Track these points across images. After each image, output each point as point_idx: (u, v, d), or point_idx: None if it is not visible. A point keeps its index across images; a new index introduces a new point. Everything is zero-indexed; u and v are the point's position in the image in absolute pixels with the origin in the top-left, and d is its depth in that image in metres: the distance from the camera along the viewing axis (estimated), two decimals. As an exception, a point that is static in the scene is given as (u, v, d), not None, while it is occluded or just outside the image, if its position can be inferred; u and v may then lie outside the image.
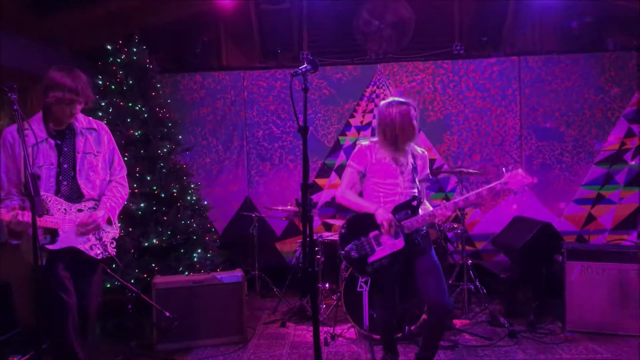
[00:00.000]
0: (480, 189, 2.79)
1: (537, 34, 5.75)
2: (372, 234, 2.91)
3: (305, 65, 2.17)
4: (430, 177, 3.22)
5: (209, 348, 3.86)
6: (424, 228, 2.98)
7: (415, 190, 2.98)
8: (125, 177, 3.03)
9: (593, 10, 5.40)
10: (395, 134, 2.90)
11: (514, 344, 3.82)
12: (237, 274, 4.04)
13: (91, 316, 2.83)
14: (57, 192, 2.66)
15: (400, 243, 2.87)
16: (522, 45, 5.76)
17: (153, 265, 4.15)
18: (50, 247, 2.58)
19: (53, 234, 2.60)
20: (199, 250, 4.44)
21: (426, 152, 3.13)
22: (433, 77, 5.63)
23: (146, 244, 4.14)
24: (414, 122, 2.92)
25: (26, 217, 2.45)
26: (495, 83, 5.60)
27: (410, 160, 2.99)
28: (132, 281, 3.89)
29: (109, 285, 3.96)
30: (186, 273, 4.15)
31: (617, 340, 3.74)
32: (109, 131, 2.95)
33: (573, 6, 5.37)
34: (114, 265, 2.93)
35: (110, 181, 2.92)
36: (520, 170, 2.77)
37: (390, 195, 2.94)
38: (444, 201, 3.01)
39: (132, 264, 4.11)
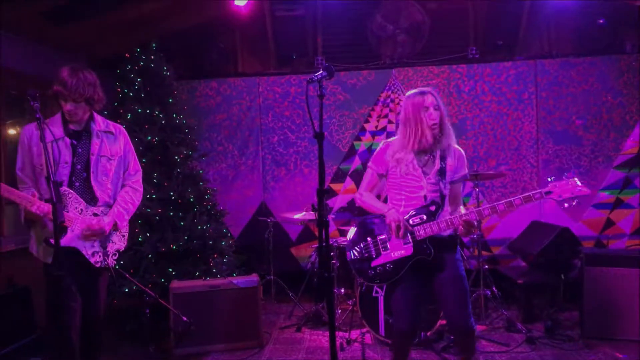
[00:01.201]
0: (513, 198, 2.50)
1: (553, 37, 5.72)
2: (380, 237, 2.69)
3: (321, 71, 2.17)
4: (468, 178, 2.88)
5: (226, 352, 3.88)
6: (447, 236, 2.66)
7: (439, 194, 2.64)
8: (140, 180, 3.02)
9: (609, 12, 5.35)
10: (413, 130, 2.61)
11: (531, 350, 3.78)
12: (253, 278, 4.06)
13: (98, 319, 2.85)
14: None
15: (408, 249, 2.62)
16: (538, 49, 5.72)
17: (170, 269, 4.18)
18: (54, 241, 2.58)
19: (62, 230, 2.56)
20: (215, 255, 4.48)
21: (462, 151, 2.76)
22: (448, 81, 5.62)
23: (163, 249, 4.18)
24: (433, 113, 2.60)
25: (35, 208, 2.53)
26: (511, 87, 5.57)
27: (439, 160, 2.65)
28: (150, 286, 3.92)
29: (127, 290, 4.00)
30: (203, 278, 4.18)
31: (637, 347, 3.67)
32: (126, 134, 2.95)
33: (589, 8, 5.32)
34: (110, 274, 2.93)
35: (124, 185, 2.93)
36: (575, 180, 2.46)
37: (413, 198, 2.65)
38: (471, 208, 2.70)
39: (150, 268, 4.15)
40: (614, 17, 5.37)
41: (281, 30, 5.75)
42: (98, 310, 2.84)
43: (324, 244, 2.07)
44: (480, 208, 2.56)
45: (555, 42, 5.72)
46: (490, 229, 5.57)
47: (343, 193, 5.77)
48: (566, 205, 2.48)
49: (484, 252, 4.51)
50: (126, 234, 2.94)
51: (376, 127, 5.73)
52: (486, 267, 4.55)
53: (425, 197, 2.64)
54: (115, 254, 2.85)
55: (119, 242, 2.87)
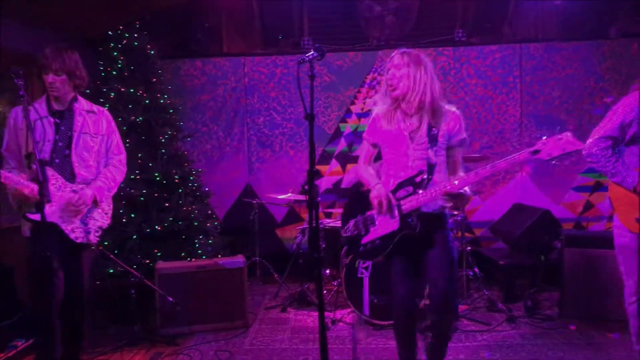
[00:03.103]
0: (498, 161, 2.29)
1: (539, 21, 5.73)
2: (368, 213, 2.60)
3: (312, 52, 2.14)
4: (468, 142, 2.63)
5: (211, 332, 3.91)
6: (436, 212, 2.52)
7: (426, 162, 2.47)
8: (124, 161, 3.09)
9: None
10: (393, 93, 2.50)
11: (511, 329, 3.88)
12: (239, 259, 4.08)
13: (81, 297, 2.89)
14: None
15: (395, 224, 2.48)
16: (524, 32, 5.74)
17: (155, 250, 4.18)
18: (32, 216, 2.61)
19: (39, 206, 2.62)
20: (201, 237, 4.47)
21: (458, 112, 2.55)
22: (435, 64, 5.52)
23: (148, 230, 4.16)
24: (390, 73, 2.49)
25: (29, 190, 2.58)
26: (496, 70, 5.60)
27: (426, 123, 2.47)
28: (135, 267, 3.92)
29: (111, 271, 4.00)
30: (188, 259, 4.19)
31: (614, 326, 3.78)
32: (109, 116, 3.02)
33: (575, -7, 5.36)
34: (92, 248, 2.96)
35: (107, 164, 2.99)
36: (565, 135, 2.20)
37: (401, 168, 2.52)
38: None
39: (135, 249, 4.14)
40: (599, 2, 5.40)
41: (267, 10, 5.67)
42: (81, 287, 2.88)
43: (314, 224, 2.08)
44: (463, 176, 2.40)
45: (541, 27, 5.74)
46: (473, 211, 5.65)
47: (328, 175, 5.78)
48: (555, 163, 2.24)
49: (466, 234, 4.58)
50: (109, 212, 2.98)
51: (362, 109, 5.73)
52: (469, 248, 4.63)
53: (411, 166, 2.49)
54: (97, 231, 2.89)
55: (101, 219, 2.91)
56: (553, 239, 4.45)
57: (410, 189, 2.47)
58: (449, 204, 2.52)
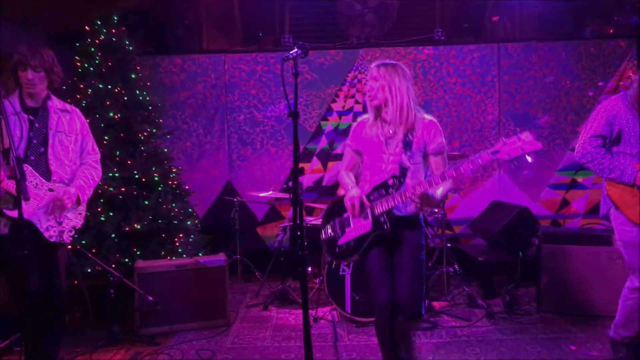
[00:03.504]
0: (462, 162, 2.32)
1: (517, 21, 5.82)
2: (345, 215, 2.70)
3: (295, 49, 2.15)
4: (446, 148, 2.67)
5: (193, 331, 3.87)
6: (407, 215, 2.58)
7: (399, 167, 2.54)
8: (99, 161, 3.10)
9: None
10: (372, 103, 2.59)
11: (491, 324, 3.93)
12: (221, 258, 4.05)
13: (58, 296, 2.87)
14: None
15: (367, 226, 2.58)
16: (503, 32, 5.82)
17: (134, 249, 4.12)
18: (9, 212, 2.61)
19: (17, 203, 2.61)
20: (181, 235, 4.43)
21: (435, 120, 2.61)
22: (414, 62, 5.66)
23: (127, 229, 4.10)
24: (369, 85, 2.57)
25: (5, 185, 2.56)
26: (475, 69, 5.67)
27: (402, 131, 2.56)
28: (114, 266, 3.86)
29: (89, 270, 3.93)
30: (168, 258, 4.14)
31: (590, 321, 3.87)
32: (82, 116, 3.03)
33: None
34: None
35: (83, 164, 3.00)
36: (524, 135, 2.18)
37: (377, 173, 2.61)
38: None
39: (113, 248, 4.08)
40: (574, 3, 5.51)
41: (248, 7, 5.63)
42: (58, 286, 2.85)
43: (298, 222, 2.08)
44: (430, 178, 2.42)
45: (519, 27, 5.83)
46: (452, 208, 5.72)
47: (310, 173, 5.77)
48: (515, 164, 2.22)
49: (446, 231, 4.63)
50: (83, 212, 2.99)
51: (343, 107, 5.74)
52: (449, 245, 4.68)
53: (386, 171, 2.57)
54: (71, 231, 2.88)
55: (75, 219, 2.91)
56: (531, 235, 4.52)
57: (383, 192, 2.56)
58: (418, 206, 2.55)
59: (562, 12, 5.53)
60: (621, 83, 5.58)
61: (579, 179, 5.70)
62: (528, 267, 4.62)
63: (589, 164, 2.76)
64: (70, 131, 2.90)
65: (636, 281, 2.77)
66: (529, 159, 2.19)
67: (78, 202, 2.87)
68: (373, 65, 2.62)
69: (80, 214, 2.95)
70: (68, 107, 2.95)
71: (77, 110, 3.01)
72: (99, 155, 3.10)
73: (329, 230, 2.79)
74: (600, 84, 5.60)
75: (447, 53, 5.67)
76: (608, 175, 2.72)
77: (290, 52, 2.17)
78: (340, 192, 3.35)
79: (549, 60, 5.64)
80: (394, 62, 2.63)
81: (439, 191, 2.48)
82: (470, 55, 5.67)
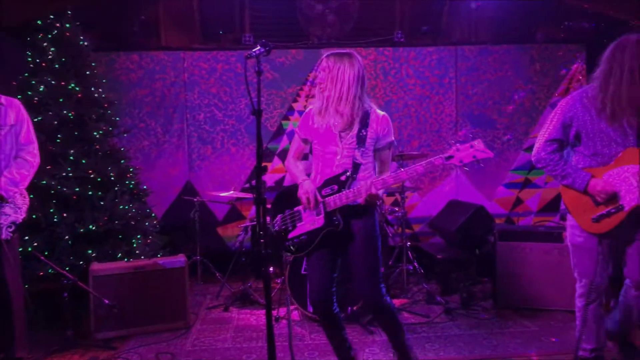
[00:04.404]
0: (416, 164, 2.41)
1: (473, 25, 5.98)
2: (296, 209, 2.66)
3: (258, 47, 2.15)
4: (395, 144, 2.72)
5: (152, 335, 3.78)
6: (359, 204, 2.55)
7: (352, 162, 2.55)
8: (35, 151, 3.04)
9: (526, 2, 5.67)
10: (322, 93, 2.58)
11: (449, 320, 4.02)
12: (180, 259, 3.98)
13: (8, 297, 2.83)
14: None
15: (319, 221, 2.56)
16: (460, 35, 5.97)
17: (89, 251, 4.00)
18: None
19: None
20: (138, 236, 4.33)
21: (387, 116, 2.64)
22: (375, 63, 5.73)
23: (82, 230, 3.97)
24: (335, 74, 2.53)
25: None
26: (433, 71, 5.79)
27: (357, 125, 2.56)
28: (67, 269, 3.73)
29: (41, 274, 3.78)
30: (125, 259, 4.03)
31: (544, 315, 4.01)
32: (20, 107, 2.97)
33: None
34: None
35: (17, 157, 2.96)
36: (476, 142, 2.30)
37: (328, 165, 2.60)
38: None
39: (67, 250, 3.95)
40: (529, 8, 5.70)
41: (207, 4, 5.56)
42: (5, 285, 2.80)
43: (261, 220, 2.07)
44: (384, 177, 2.48)
45: (475, 30, 6.00)
46: (411, 207, 5.82)
47: (271, 172, 5.75)
48: (467, 169, 2.36)
49: (406, 230, 4.71)
50: (23, 206, 2.93)
51: (305, 106, 5.74)
52: (408, 243, 4.76)
53: (338, 164, 2.57)
54: (10, 227, 2.82)
55: (14, 214, 2.85)
56: (487, 233, 4.66)
57: (335, 187, 2.55)
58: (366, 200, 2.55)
59: (516, 16, 5.72)
60: (571, 86, 5.83)
61: (532, 178, 5.91)
62: (484, 263, 4.75)
63: (544, 169, 2.79)
64: (3, 123, 2.85)
65: (580, 288, 2.81)
66: (481, 165, 2.32)
67: (1, 199, 2.81)
68: (324, 56, 2.62)
69: (19, 208, 2.89)
70: (3, 99, 2.89)
71: (14, 101, 2.95)
72: (34, 146, 3.05)
73: (280, 222, 2.71)
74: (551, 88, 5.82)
75: (406, 55, 5.76)
76: (561, 182, 2.74)
77: (253, 50, 2.16)
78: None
79: (504, 63, 5.83)
80: (345, 51, 2.61)
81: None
82: (429, 57, 5.78)
